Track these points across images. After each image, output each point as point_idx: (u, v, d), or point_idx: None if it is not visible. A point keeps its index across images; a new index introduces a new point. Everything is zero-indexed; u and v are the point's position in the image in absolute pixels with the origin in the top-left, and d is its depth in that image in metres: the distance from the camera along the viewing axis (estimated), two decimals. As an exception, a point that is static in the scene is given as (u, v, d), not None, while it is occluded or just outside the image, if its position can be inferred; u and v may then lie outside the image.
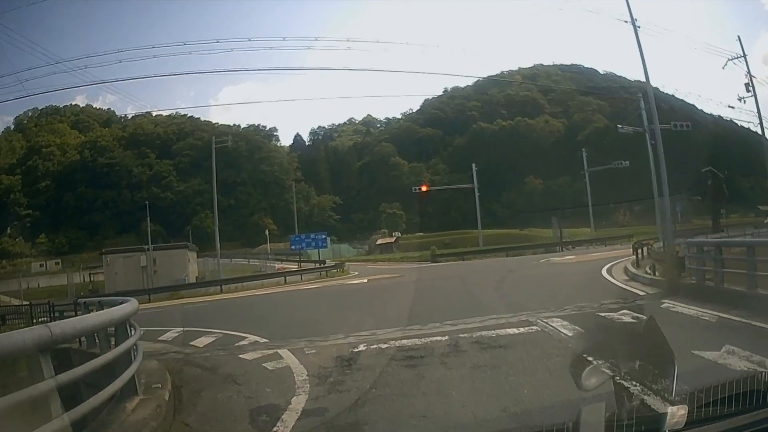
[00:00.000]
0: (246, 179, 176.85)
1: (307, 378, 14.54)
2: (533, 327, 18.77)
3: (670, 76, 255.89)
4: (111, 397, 10.84)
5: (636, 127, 59.04)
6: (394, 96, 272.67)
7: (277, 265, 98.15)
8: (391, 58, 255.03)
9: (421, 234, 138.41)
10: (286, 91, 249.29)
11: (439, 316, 23.18)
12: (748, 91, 62.84)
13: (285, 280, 67.63)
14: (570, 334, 17.21)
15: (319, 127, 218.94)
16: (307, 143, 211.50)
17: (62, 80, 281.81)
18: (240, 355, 19.01)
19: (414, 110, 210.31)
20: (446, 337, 18.41)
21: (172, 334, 26.70)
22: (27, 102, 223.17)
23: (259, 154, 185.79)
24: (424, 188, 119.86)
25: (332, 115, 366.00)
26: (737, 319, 17.53)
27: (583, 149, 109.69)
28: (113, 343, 13.75)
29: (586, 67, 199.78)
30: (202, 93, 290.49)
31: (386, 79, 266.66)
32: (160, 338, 25.38)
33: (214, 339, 23.72)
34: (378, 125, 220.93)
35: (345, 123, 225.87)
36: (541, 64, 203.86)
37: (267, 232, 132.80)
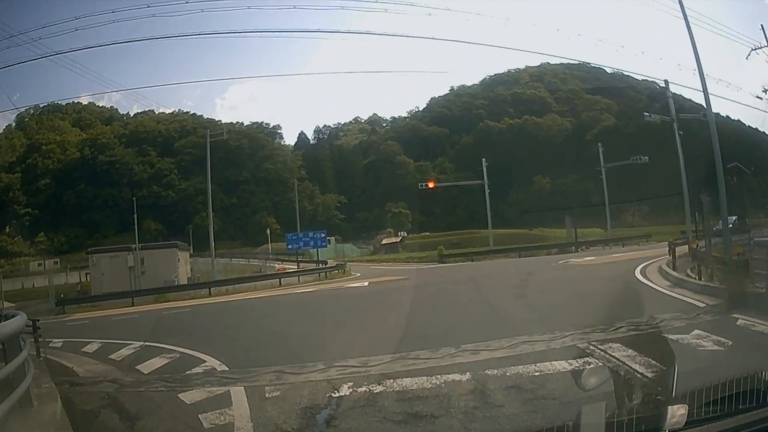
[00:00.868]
0: (249, 178, 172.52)
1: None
2: (588, 359, 14.02)
3: (677, 74, 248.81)
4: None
5: (646, 120, 62.31)
6: (399, 94, 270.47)
7: (277, 266, 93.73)
8: (398, 56, 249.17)
9: (428, 233, 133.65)
10: (291, 90, 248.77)
11: (453, 336, 18.45)
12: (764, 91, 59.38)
13: (280, 283, 62.95)
14: (649, 374, 12.02)
15: (325, 126, 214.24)
16: (311, 141, 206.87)
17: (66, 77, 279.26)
18: (180, 395, 14.55)
19: (420, 108, 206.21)
20: (467, 376, 13.41)
21: (127, 350, 23.63)
22: (28, 99, 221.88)
23: (262, 152, 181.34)
24: (431, 184, 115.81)
25: (338, 114, 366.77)
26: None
27: (599, 144, 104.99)
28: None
29: (594, 66, 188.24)
30: (207, 91, 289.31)
31: (392, 77, 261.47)
32: (111, 356, 22.78)
33: (167, 361, 20.10)
34: (384, 124, 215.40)
35: (350, 122, 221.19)
36: (548, 63, 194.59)
37: (268, 232, 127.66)
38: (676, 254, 37.91)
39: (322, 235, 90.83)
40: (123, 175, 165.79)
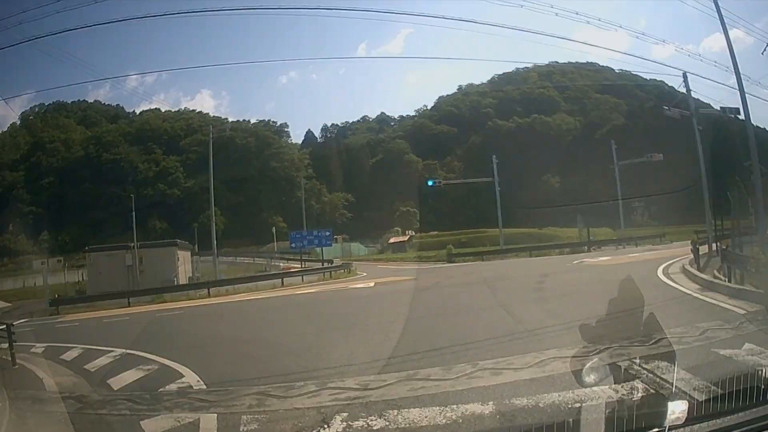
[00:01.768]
0: (255, 176, 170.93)
1: None
2: (635, 383, 10.91)
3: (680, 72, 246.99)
4: None
5: (667, 114, 58.48)
6: (408, 93, 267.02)
7: (282, 265, 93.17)
8: (405, 54, 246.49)
9: (436, 232, 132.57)
10: (299, 88, 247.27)
11: (469, 350, 16.21)
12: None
13: (282, 283, 60.38)
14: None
15: (332, 124, 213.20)
16: (319, 140, 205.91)
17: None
18: (143, 422, 12.59)
19: (428, 107, 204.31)
20: (490, 407, 10.87)
21: (105, 359, 21.95)
22: (34, 97, 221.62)
23: (269, 150, 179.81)
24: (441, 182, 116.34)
25: (345, 113, 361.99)
26: None
27: (612, 141, 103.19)
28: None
29: (602, 66, 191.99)
30: (213, 88, 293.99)
31: (400, 76, 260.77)
32: (87, 365, 21.20)
33: (143, 375, 18.35)
34: (392, 123, 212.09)
35: (358, 120, 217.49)
36: (557, 62, 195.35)
37: (274, 230, 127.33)
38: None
39: (327, 233, 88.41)
40: (128, 173, 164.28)
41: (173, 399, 14.40)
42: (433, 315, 26.74)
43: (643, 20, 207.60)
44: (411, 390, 12.36)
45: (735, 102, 59.68)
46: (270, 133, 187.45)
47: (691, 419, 5.67)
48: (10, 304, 64.40)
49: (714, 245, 41.00)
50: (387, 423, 10.37)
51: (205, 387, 15.43)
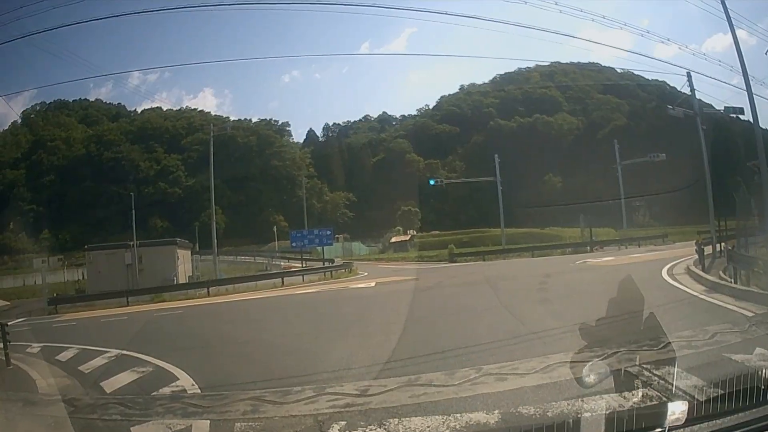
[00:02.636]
0: (257, 175, 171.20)
1: None
2: (646, 390, 10.38)
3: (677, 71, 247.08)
4: None
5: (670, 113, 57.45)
6: (410, 93, 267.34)
7: (283, 264, 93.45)
8: (408, 53, 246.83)
9: (438, 232, 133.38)
10: (301, 87, 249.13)
11: (472, 354, 15.73)
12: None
13: (282, 282, 59.66)
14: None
15: (334, 123, 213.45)
16: (320, 139, 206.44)
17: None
18: (134, 428, 12.23)
19: (430, 107, 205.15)
20: (495, 416, 10.37)
21: (101, 360, 21.53)
22: (35, 96, 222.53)
23: (270, 149, 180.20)
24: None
25: (347, 112, 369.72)
26: None
27: (615, 141, 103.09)
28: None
29: (604, 66, 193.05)
30: (215, 87, 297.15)
31: (402, 76, 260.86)
32: (82, 366, 20.71)
33: (137, 377, 17.89)
34: (393, 122, 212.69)
35: (360, 120, 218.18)
36: (559, 62, 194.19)
37: (275, 229, 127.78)
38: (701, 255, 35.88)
39: (328, 232, 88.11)
40: (129, 172, 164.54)
41: (166, 404, 14.01)
42: (434, 316, 26.35)
43: (645, 20, 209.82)
44: (412, 397, 11.89)
45: (736, 102, 59.64)
46: (271, 132, 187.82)
47: (691, 419, 5.75)
48: (9, 303, 64.30)
49: (718, 246, 40.72)
50: (385, 433, 9.87)
51: (199, 391, 15.06)
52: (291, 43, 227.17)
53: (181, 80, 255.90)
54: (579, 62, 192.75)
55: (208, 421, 11.77)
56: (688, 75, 53.91)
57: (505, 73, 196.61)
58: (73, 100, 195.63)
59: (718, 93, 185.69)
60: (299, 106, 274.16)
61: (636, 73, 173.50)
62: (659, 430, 5.78)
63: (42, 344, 27.00)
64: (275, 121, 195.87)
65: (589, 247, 78.05)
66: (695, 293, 26.12)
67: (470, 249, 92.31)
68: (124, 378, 17.73)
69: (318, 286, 55.13)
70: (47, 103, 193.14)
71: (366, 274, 66.18)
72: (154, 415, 12.99)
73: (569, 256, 70.19)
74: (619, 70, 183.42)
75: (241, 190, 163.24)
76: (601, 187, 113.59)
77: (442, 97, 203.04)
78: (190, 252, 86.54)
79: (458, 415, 10.22)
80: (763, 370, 7.16)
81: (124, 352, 22.36)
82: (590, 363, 12.69)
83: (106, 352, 22.90)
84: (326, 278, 64.11)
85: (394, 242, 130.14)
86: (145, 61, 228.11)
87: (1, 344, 21.41)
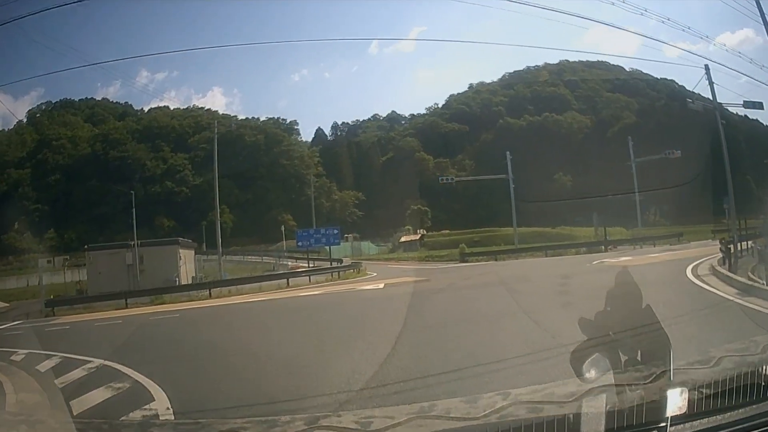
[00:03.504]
0: (264, 173, 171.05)
1: None
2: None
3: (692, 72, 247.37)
4: None
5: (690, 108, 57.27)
6: (418, 91, 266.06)
7: (291, 264, 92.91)
8: (417, 52, 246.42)
9: (448, 231, 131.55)
10: (309, 85, 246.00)
11: (495, 373, 13.74)
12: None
13: (288, 283, 58.12)
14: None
15: (343, 122, 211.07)
16: (329, 137, 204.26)
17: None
18: None
19: (439, 105, 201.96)
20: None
21: (79, 372, 19.97)
22: (42, 95, 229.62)
23: (278, 147, 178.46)
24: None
25: (356, 111, 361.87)
26: None
27: (629, 138, 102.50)
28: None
29: (612, 65, 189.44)
30: (223, 85, 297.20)
31: (412, 74, 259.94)
32: (59, 378, 19.00)
33: (111, 395, 16.23)
34: (403, 121, 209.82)
35: (369, 119, 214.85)
36: (567, 60, 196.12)
37: (283, 228, 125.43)
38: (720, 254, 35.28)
39: (335, 231, 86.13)
40: (135, 171, 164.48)
41: (136, 432, 11.75)
42: (449, 323, 24.12)
43: (653, 20, 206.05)
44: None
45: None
46: (279, 131, 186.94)
47: (692, 414, 5.78)
48: (8, 305, 62.69)
49: (739, 245, 39.32)
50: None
51: (172, 417, 13.29)
52: (301, 42, 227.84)
53: (190, 79, 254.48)
54: (587, 60, 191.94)
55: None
56: (706, 68, 52.66)
57: (514, 72, 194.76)
58: (80, 99, 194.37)
59: (722, 93, 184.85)
60: (308, 105, 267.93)
61: (645, 71, 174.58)
62: (661, 424, 5.75)
63: (28, 351, 25.59)
64: (283, 119, 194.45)
65: (603, 247, 76.38)
66: (728, 296, 24.64)
67: (481, 248, 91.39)
68: (97, 396, 16.18)
69: (324, 287, 53.42)
70: (53, 102, 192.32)
71: (375, 274, 64.63)
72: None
73: (583, 255, 68.77)
74: (627, 69, 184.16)
75: (248, 189, 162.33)
76: (612, 186, 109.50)
77: (451, 95, 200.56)
78: (193, 252, 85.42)
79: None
80: (764, 366, 7.04)
81: (107, 362, 20.96)
82: (591, 357, 10.22)
83: (89, 362, 21.51)
84: (333, 279, 62.57)
85: (404, 241, 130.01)
86: (153, 59, 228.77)
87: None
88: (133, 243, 71.19)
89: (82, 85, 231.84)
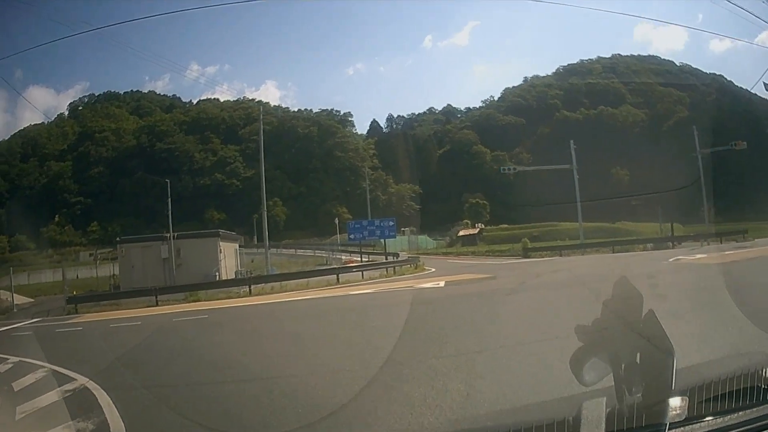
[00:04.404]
0: (318, 165, 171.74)
1: None
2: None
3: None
4: None
5: None
6: (472, 85, 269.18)
7: (344, 258, 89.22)
8: (471, 46, 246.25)
9: (506, 226, 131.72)
10: (364, 78, 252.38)
11: None
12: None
13: (337, 279, 53.02)
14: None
15: (398, 116, 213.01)
16: (384, 130, 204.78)
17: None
18: None
19: (495, 98, 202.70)
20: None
21: (53, 396, 15.94)
22: (86, 88, 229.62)
23: (332, 139, 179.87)
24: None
25: (412, 105, 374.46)
26: None
27: (694, 127, 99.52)
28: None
29: (663, 59, 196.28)
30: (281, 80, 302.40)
31: (466, 68, 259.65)
32: (25, 404, 15.07)
33: None
34: (458, 115, 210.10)
35: (424, 112, 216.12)
36: (620, 54, 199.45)
37: (337, 221, 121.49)
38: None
39: (391, 223, 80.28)
40: (183, 163, 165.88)
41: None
42: (533, 340, 17.72)
43: (700, 15, 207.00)
44: None
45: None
46: (333, 122, 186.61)
47: (691, 417, 5.58)
48: (32, 300, 62.02)
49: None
50: None
51: None
52: (357, 36, 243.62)
53: (242, 73, 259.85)
54: (639, 55, 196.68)
55: None
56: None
57: (568, 65, 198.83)
58: (125, 92, 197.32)
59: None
60: (362, 99, 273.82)
61: (694, 66, 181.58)
62: (661, 428, 5.45)
63: (19, 359, 22.18)
64: (337, 111, 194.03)
65: (671, 243, 72.89)
66: None
67: (545, 243, 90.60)
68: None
69: (378, 284, 48.44)
70: (96, 95, 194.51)
71: (433, 270, 60.88)
72: None
73: (652, 252, 65.19)
74: (678, 63, 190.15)
75: (302, 181, 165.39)
76: (669, 181, 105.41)
77: (506, 88, 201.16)
78: (237, 245, 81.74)
79: None
80: (764, 370, 6.61)
81: (90, 384, 16.73)
82: (590, 360, 7.48)
83: (72, 380, 17.59)
84: (389, 275, 57.97)
85: (462, 236, 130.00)
86: (204, 53, 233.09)
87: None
88: (168, 234, 67.14)
89: (129, 79, 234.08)
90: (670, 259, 48.60)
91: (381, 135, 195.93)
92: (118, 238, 76.00)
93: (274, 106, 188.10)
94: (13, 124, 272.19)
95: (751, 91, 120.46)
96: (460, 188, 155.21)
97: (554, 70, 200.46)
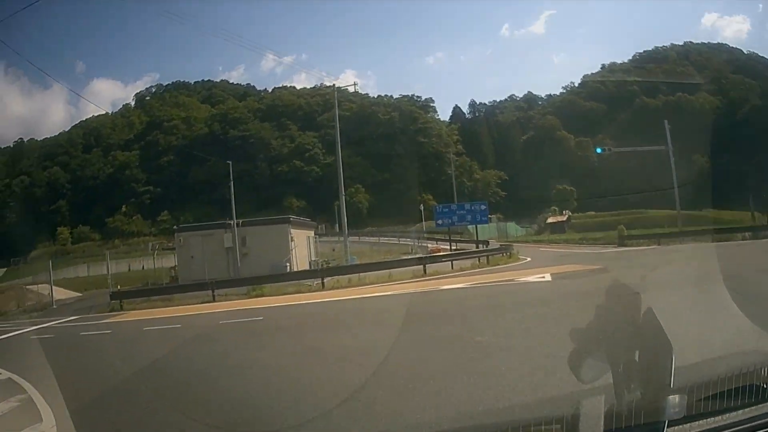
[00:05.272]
0: (402, 152, 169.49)
1: None
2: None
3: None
4: None
5: None
6: (552, 73, 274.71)
7: (431, 246, 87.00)
8: (547, 34, 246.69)
9: (594, 213, 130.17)
10: (445, 68, 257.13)
11: None
12: None
13: (424, 270, 46.54)
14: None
15: (480, 103, 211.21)
16: (467, 116, 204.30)
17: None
18: None
19: (575, 84, 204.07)
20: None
21: None
22: (156, 80, 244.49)
23: (414, 125, 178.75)
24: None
25: (492, 92, 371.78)
26: None
27: None
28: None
29: (732, 47, 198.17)
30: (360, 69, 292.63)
31: (544, 55, 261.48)
32: None
33: None
34: (539, 101, 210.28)
35: (506, 99, 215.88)
36: (691, 42, 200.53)
37: (422, 208, 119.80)
38: None
39: (483, 207, 71.26)
40: (259, 150, 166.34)
41: None
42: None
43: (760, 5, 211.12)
44: None
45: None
46: (415, 108, 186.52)
47: (690, 416, 5.54)
48: (80, 294, 60.94)
49: None
50: None
51: None
52: (436, 24, 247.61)
53: (320, 62, 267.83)
54: (709, 42, 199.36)
55: None
56: None
57: (644, 52, 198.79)
58: (195, 82, 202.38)
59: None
60: (443, 87, 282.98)
61: (761, 54, 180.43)
62: (659, 426, 5.44)
63: (9, 376, 17.83)
64: (418, 96, 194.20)
65: None
66: None
67: (642, 231, 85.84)
68: None
69: (471, 276, 41.99)
70: (164, 85, 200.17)
71: (528, 259, 56.16)
72: None
73: (754, 242, 58.75)
74: (746, 51, 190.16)
75: (385, 168, 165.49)
76: (749, 168, 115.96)
77: (585, 75, 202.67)
78: (312, 232, 77.52)
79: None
80: (764, 368, 6.60)
81: (72, 417, 12.27)
82: (589, 358, 7.33)
83: (36, 423, 12.38)
84: (481, 265, 52.06)
85: (551, 223, 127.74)
86: (281, 43, 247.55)
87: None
88: (232, 222, 62.33)
89: (200, 69, 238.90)
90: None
91: (464, 121, 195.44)
92: (175, 227, 72.58)
93: (353, 92, 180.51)
94: (75, 116, 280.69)
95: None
96: (544, 174, 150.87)
97: (631, 57, 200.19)
